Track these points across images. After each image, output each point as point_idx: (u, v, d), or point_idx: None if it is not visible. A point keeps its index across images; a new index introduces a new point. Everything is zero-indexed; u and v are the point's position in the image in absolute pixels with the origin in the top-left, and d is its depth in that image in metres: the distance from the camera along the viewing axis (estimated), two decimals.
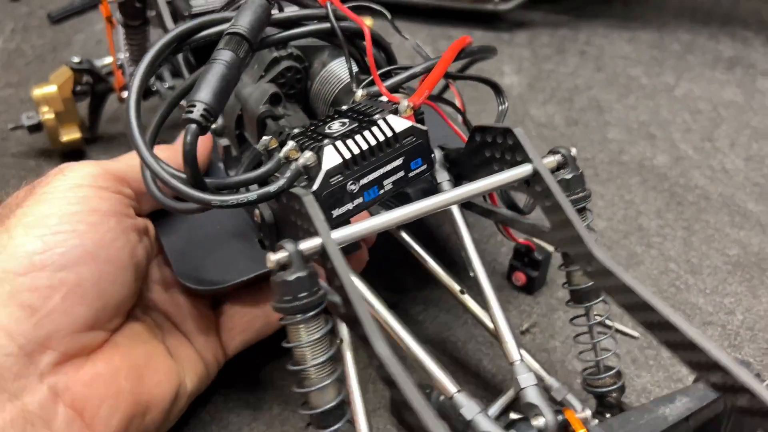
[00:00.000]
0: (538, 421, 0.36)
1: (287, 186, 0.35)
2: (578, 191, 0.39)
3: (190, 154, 0.34)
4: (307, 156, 0.36)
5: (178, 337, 0.45)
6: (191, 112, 0.34)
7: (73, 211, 0.37)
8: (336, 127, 0.39)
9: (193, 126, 0.33)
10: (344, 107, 0.42)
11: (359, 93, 0.42)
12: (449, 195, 0.37)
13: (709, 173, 0.71)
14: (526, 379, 0.38)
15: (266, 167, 0.36)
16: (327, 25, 0.43)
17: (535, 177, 0.38)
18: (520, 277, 0.56)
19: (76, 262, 0.36)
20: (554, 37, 0.97)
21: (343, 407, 0.34)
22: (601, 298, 0.41)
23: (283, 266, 0.31)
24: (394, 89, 0.43)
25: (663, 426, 0.35)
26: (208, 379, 0.46)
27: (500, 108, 0.47)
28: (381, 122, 0.38)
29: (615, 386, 0.41)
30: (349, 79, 0.45)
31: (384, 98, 0.41)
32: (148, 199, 0.41)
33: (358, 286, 0.36)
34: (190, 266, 0.43)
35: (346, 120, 0.39)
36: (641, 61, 0.91)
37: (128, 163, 0.42)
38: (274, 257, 0.31)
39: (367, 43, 0.43)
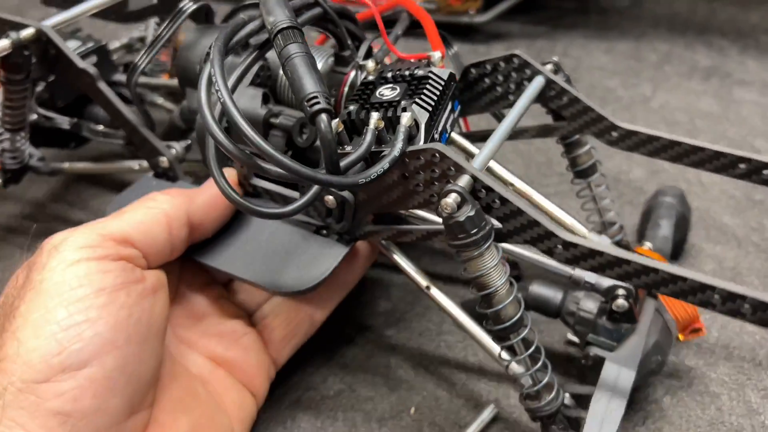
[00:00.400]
0: None
1: (405, 147, 0.38)
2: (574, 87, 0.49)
3: (333, 143, 0.35)
4: (408, 116, 0.38)
5: (221, 377, 0.43)
6: (317, 103, 0.34)
7: (79, 296, 0.34)
8: (387, 93, 0.41)
9: (325, 115, 0.34)
10: (370, 77, 0.44)
11: (370, 64, 0.45)
12: (506, 125, 0.43)
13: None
14: (603, 240, 0.50)
15: (367, 141, 0.37)
16: (319, 9, 0.44)
17: (546, 85, 0.47)
18: None
19: (98, 354, 0.33)
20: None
21: (524, 318, 0.39)
22: (599, 172, 0.52)
23: (459, 205, 0.36)
24: (386, 53, 0.47)
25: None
26: (258, 407, 0.45)
27: (451, 52, 0.54)
28: (431, 75, 0.42)
29: (621, 235, 0.53)
30: (322, 65, 0.47)
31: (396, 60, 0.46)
32: (159, 252, 0.39)
33: None
34: (278, 279, 0.43)
35: (391, 84, 0.42)
36: (618, 72, 0.91)
37: (128, 220, 0.39)
38: (451, 200, 0.35)
39: (377, 18, 0.47)
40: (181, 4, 0.50)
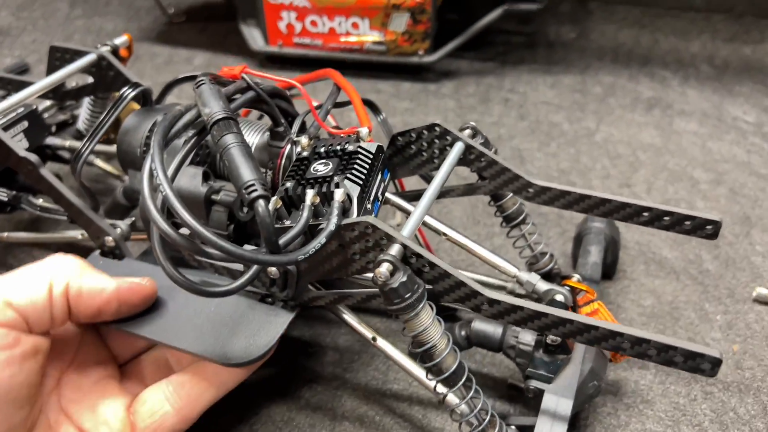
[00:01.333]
0: (560, 297, 0.51)
1: (340, 221, 0.40)
2: (492, 149, 0.52)
3: (271, 225, 0.38)
4: (341, 192, 0.41)
5: None
6: (255, 191, 0.37)
7: None
8: (321, 168, 0.44)
9: (263, 201, 0.37)
10: (304, 153, 0.46)
11: (304, 140, 0.47)
12: (432, 190, 0.47)
13: None
14: (532, 278, 0.52)
15: (304, 218, 0.40)
16: (253, 93, 0.46)
17: (466, 150, 0.50)
18: None
19: None
20: (480, 86, 0.99)
21: (463, 366, 0.42)
22: (524, 213, 0.55)
23: (391, 273, 0.39)
24: (318, 128, 0.49)
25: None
26: None
27: (380, 119, 0.57)
28: (360, 150, 0.45)
29: (553, 263, 0.56)
30: (256, 141, 0.50)
31: (326, 135, 0.49)
32: (40, 318, 0.40)
33: None
34: (226, 350, 0.44)
35: (324, 160, 0.45)
36: (563, 107, 0.94)
37: (11, 282, 0.40)
38: (384, 269, 0.38)
39: (306, 97, 0.49)
40: (122, 91, 0.52)
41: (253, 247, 0.40)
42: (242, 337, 0.44)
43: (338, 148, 0.46)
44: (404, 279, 0.39)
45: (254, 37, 1.03)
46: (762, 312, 0.61)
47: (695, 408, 0.52)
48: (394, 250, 0.40)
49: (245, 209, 0.45)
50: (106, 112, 0.51)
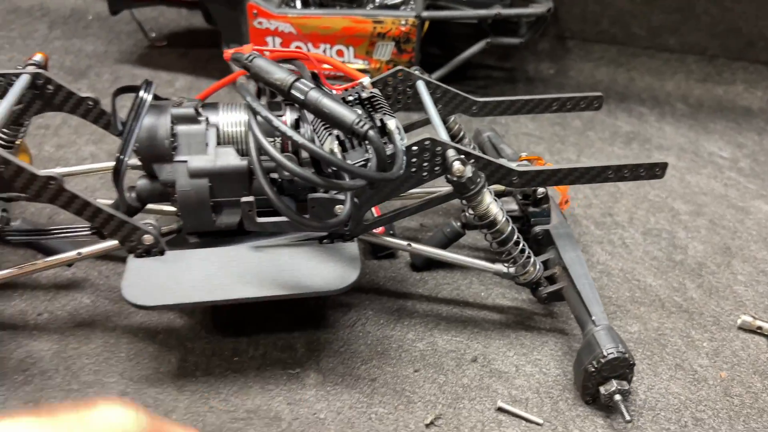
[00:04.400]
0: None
1: (404, 142, 0.51)
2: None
3: (384, 149, 0.46)
4: (393, 121, 0.50)
5: None
6: (365, 124, 0.45)
7: None
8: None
9: (372, 131, 0.46)
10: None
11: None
12: (434, 111, 0.62)
13: (609, 248, 0.72)
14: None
15: (398, 139, 0.50)
16: None
17: (426, 85, 0.66)
18: None
19: None
20: (462, 116, 1.00)
21: (514, 230, 0.56)
22: (463, 131, 0.74)
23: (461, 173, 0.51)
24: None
25: None
26: None
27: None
28: (374, 93, 0.54)
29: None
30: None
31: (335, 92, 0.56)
32: None
33: None
34: (311, 284, 0.51)
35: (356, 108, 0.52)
36: (544, 138, 0.95)
37: None
38: (458, 165, 0.51)
39: (317, 65, 0.56)
40: (138, 95, 0.50)
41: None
42: (327, 271, 0.52)
43: (351, 98, 0.52)
44: (473, 170, 0.51)
45: None
46: (747, 340, 0.61)
47: None
48: (452, 152, 0.51)
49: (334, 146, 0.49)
50: (130, 120, 0.49)
